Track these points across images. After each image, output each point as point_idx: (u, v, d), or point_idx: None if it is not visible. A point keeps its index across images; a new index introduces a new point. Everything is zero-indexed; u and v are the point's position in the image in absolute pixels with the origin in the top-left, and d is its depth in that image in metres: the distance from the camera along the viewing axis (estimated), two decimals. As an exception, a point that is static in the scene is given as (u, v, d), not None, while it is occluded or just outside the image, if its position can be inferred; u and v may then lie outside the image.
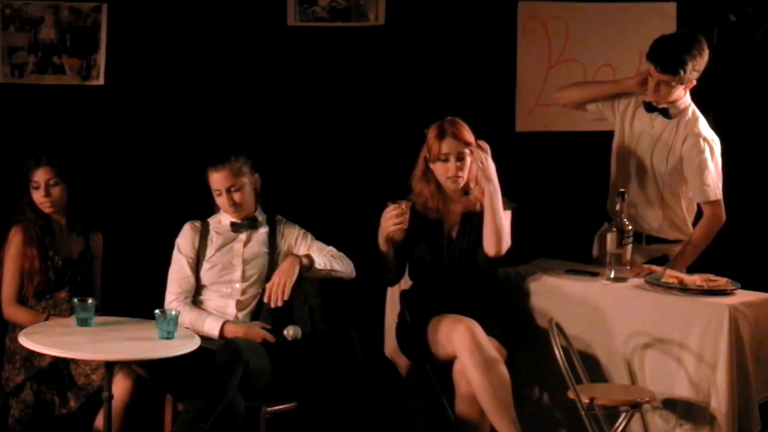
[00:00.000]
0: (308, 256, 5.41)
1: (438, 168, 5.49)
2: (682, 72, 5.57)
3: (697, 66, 5.61)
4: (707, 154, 5.66)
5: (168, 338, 4.99)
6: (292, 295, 5.36)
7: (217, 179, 5.43)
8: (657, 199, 5.76)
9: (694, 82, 5.68)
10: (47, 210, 5.44)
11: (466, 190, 5.54)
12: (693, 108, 5.76)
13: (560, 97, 6.03)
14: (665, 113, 5.72)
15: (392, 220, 5.44)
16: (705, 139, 5.68)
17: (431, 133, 5.50)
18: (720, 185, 5.69)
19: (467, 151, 5.46)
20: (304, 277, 5.39)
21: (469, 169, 5.49)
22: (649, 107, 5.76)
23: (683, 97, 5.72)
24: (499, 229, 5.43)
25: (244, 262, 5.49)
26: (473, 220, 5.55)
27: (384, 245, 5.54)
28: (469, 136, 5.48)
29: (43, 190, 5.41)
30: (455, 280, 5.54)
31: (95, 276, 5.58)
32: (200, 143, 6.02)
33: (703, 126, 5.73)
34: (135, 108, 6.08)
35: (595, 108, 5.93)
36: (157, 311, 5.02)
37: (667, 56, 5.59)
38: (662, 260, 5.76)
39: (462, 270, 5.54)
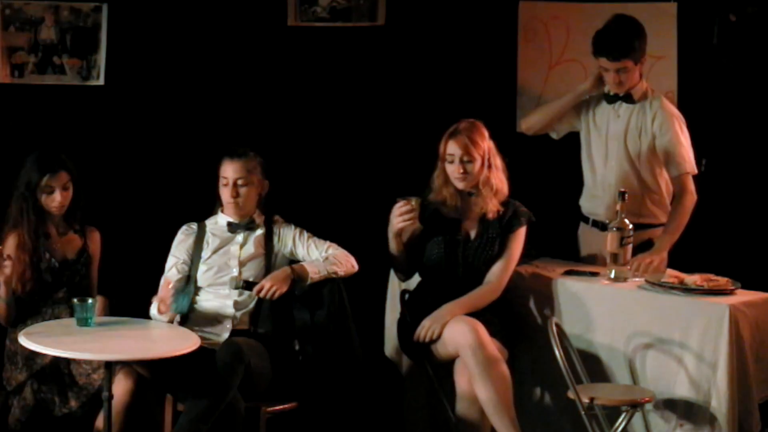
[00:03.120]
0: (302, 269, 5.43)
1: (447, 168, 5.51)
2: (632, 51, 5.69)
3: (643, 44, 5.74)
4: (677, 128, 5.76)
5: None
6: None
7: (230, 168, 5.46)
8: (637, 184, 5.80)
9: (645, 62, 5.80)
10: (58, 212, 5.44)
11: (470, 192, 5.55)
12: (651, 87, 5.87)
13: (527, 128, 6.12)
14: (628, 99, 5.81)
15: (401, 217, 5.44)
16: (673, 115, 5.79)
17: (446, 132, 5.52)
18: (693, 159, 5.77)
19: (473, 155, 5.46)
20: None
21: (478, 173, 5.50)
22: (611, 98, 5.84)
23: (640, 79, 5.81)
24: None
25: (241, 264, 5.49)
26: (490, 226, 5.56)
27: (393, 241, 5.54)
28: (479, 140, 5.48)
29: (59, 194, 5.40)
30: (466, 279, 5.54)
31: (93, 274, 5.58)
32: (199, 143, 6.04)
33: (667, 103, 5.84)
34: (135, 108, 6.09)
35: (565, 124, 6.03)
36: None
37: (613, 44, 5.70)
38: (648, 245, 5.77)
39: (474, 270, 5.54)
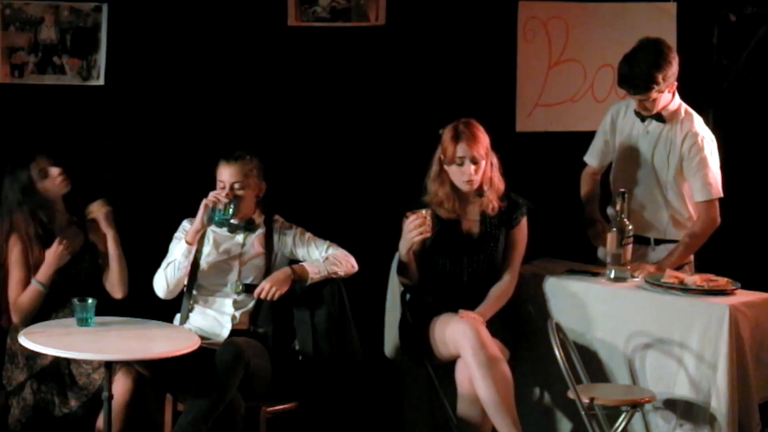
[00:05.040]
0: (302, 269, 5.43)
1: (453, 171, 5.49)
2: (655, 86, 5.54)
3: (670, 72, 5.57)
4: (707, 152, 5.66)
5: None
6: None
7: (226, 172, 5.46)
8: (662, 201, 5.75)
9: (676, 83, 5.66)
10: (65, 188, 5.45)
11: (479, 192, 5.55)
12: (685, 107, 5.75)
13: (586, 200, 6.02)
14: (659, 118, 5.71)
15: (416, 230, 5.40)
16: (704, 138, 5.68)
17: (446, 135, 5.49)
18: (720, 184, 5.69)
19: (482, 153, 5.46)
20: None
21: (483, 172, 5.50)
22: (642, 116, 5.75)
23: (672, 99, 5.70)
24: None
25: (241, 263, 5.50)
26: (490, 222, 5.56)
27: (407, 256, 5.50)
28: (484, 138, 5.49)
29: (54, 170, 5.43)
30: (471, 279, 5.54)
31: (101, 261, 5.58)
32: (200, 142, 6.04)
33: (700, 124, 5.72)
34: (135, 108, 6.08)
35: (606, 157, 5.94)
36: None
37: (635, 78, 5.55)
38: None
39: (478, 268, 5.55)
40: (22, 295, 5.37)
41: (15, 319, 5.39)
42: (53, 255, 5.34)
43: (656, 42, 5.64)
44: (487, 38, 6.51)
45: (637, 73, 5.54)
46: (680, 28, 6.57)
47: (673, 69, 5.60)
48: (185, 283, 5.49)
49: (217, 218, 5.39)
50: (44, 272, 5.36)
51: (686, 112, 5.73)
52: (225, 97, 6.19)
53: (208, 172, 5.54)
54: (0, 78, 5.86)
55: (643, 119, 5.75)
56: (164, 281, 5.42)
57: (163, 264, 5.45)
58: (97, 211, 5.51)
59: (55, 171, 5.43)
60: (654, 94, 5.58)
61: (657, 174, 5.74)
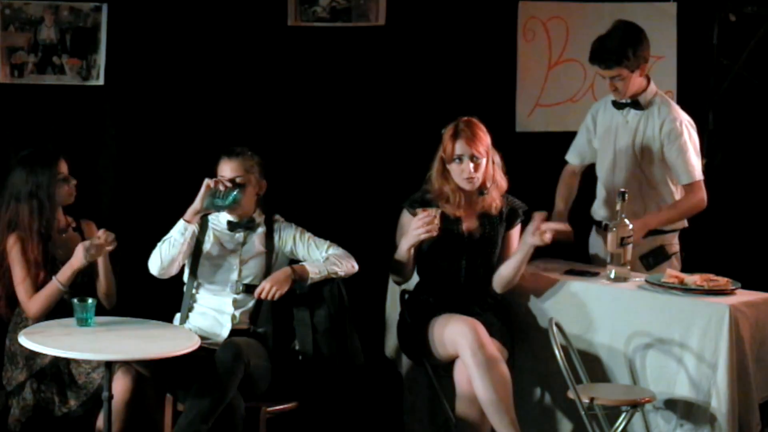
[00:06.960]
0: (303, 269, 5.43)
1: (453, 169, 5.50)
2: (625, 60, 5.61)
3: (640, 50, 5.65)
4: (686, 136, 5.71)
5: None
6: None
7: (227, 168, 5.47)
8: (647, 190, 5.78)
9: (648, 65, 5.72)
10: (70, 200, 5.45)
11: (481, 191, 5.55)
12: (661, 93, 5.82)
13: (560, 198, 6.07)
14: (636, 105, 5.76)
15: (424, 228, 5.40)
16: (682, 122, 5.73)
17: (447, 133, 5.50)
18: (700, 166, 5.74)
19: (482, 152, 5.47)
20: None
21: (485, 170, 5.50)
22: (618, 105, 5.81)
23: (647, 85, 5.76)
24: (513, 279, 5.54)
25: (241, 262, 5.50)
26: (491, 223, 5.56)
27: (407, 252, 5.50)
28: (484, 136, 5.49)
29: (71, 179, 5.43)
30: (468, 277, 5.54)
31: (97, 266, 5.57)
32: (200, 142, 6.04)
33: (677, 109, 5.78)
34: (135, 108, 6.09)
35: (587, 155, 6.01)
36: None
37: (605, 52, 5.64)
38: (660, 251, 5.78)
39: (476, 267, 5.55)
40: (39, 294, 5.35)
41: (30, 315, 5.37)
42: (75, 258, 5.33)
43: (629, 23, 5.75)
44: (487, 38, 6.52)
45: (608, 47, 5.64)
46: (680, 28, 6.58)
47: (645, 49, 5.68)
48: (185, 280, 5.50)
49: (215, 203, 5.38)
50: (64, 273, 5.35)
51: (662, 98, 5.79)
52: (225, 97, 6.19)
53: (209, 173, 5.54)
54: (0, 78, 5.86)
55: (620, 108, 5.78)
56: (158, 258, 5.41)
57: (160, 242, 5.45)
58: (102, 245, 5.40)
59: (73, 182, 5.43)
60: (624, 72, 5.62)
61: (640, 164, 5.78)
